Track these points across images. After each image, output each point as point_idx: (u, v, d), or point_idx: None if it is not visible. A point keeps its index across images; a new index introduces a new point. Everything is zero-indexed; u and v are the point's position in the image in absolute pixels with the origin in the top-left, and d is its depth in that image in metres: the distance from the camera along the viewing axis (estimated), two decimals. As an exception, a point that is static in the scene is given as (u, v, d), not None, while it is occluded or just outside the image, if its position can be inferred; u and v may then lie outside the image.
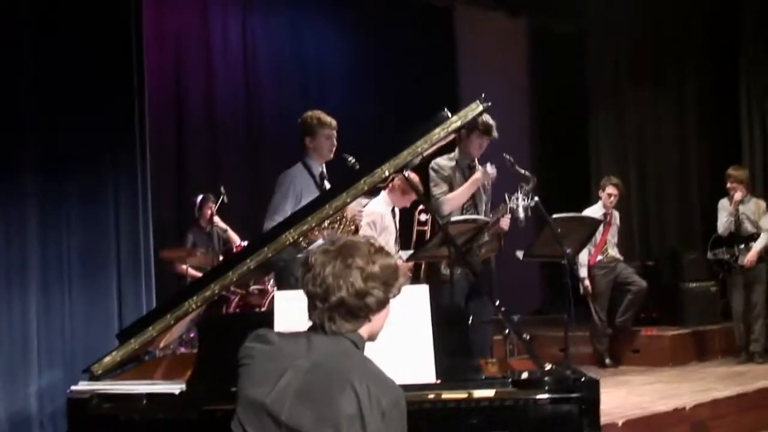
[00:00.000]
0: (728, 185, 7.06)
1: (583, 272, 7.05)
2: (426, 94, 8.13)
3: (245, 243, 6.67)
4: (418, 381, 2.68)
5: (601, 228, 6.63)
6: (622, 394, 5.74)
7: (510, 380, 2.77)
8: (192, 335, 5.67)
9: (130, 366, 3.16)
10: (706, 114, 9.18)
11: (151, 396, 2.77)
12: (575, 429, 2.68)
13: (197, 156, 7.86)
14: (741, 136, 8.83)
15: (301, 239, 3.56)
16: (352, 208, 4.53)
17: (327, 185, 4.72)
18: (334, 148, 4.75)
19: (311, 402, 1.95)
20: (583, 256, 6.95)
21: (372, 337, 2.12)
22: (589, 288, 7.10)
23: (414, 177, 4.96)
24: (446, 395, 2.68)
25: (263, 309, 6.32)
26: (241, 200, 7.51)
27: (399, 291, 2.12)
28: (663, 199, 9.34)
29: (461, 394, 2.68)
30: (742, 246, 7.01)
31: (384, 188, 5.54)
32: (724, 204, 7.13)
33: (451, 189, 5.05)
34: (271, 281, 6.52)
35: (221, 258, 6.76)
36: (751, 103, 8.78)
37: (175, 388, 2.80)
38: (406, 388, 2.07)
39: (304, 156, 4.76)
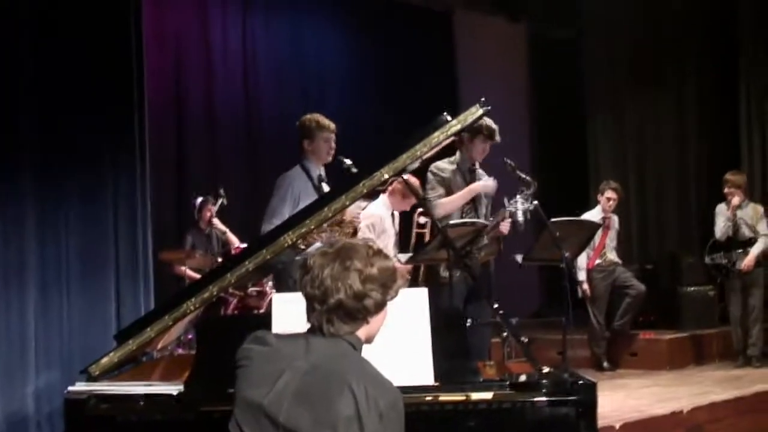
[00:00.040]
0: (725, 190, 7.07)
1: (582, 276, 7.06)
2: (425, 98, 8.14)
3: (244, 245, 6.67)
4: (416, 383, 2.69)
5: (599, 232, 6.64)
6: (619, 398, 5.74)
7: (508, 383, 2.78)
8: (190, 337, 5.66)
9: (128, 367, 3.16)
10: (706, 116, 9.18)
11: (148, 397, 2.77)
12: (572, 432, 2.69)
13: (197, 157, 7.86)
14: (740, 139, 8.84)
15: (299, 242, 3.56)
16: (351, 210, 4.53)
17: (325, 188, 4.72)
18: (332, 151, 4.74)
19: (309, 403, 1.95)
20: (582, 260, 6.95)
21: (369, 339, 2.13)
22: (588, 291, 7.11)
23: (413, 180, 4.98)
24: (444, 397, 2.68)
25: (261, 311, 6.32)
26: (240, 202, 7.51)
27: (397, 293, 2.12)
28: (662, 202, 9.35)
29: (459, 397, 2.68)
30: (740, 251, 7.01)
31: (384, 191, 5.54)
32: (721, 209, 7.14)
33: (448, 193, 5.06)
34: (270, 283, 6.51)
35: (220, 260, 6.76)
36: (750, 105, 8.79)
37: (173, 389, 2.80)
38: (404, 390, 2.08)
39: (303, 159, 4.76)
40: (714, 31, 9.06)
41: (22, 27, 4.67)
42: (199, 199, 7.24)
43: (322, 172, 4.79)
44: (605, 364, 7.16)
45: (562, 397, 2.70)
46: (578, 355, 7.05)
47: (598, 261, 7.17)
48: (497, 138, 5.04)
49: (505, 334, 5.64)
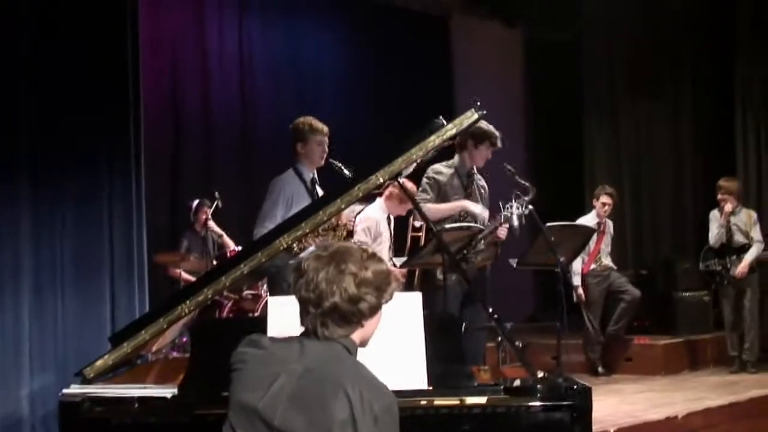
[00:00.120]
0: (719, 196, 7.08)
1: (577, 280, 7.07)
2: (421, 102, 8.13)
3: (240, 248, 6.66)
4: (410, 387, 2.68)
5: (594, 237, 6.65)
6: (614, 403, 5.74)
7: (502, 387, 2.78)
8: (185, 339, 5.66)
9: (123, 370, 3.16)
10: (701, 123, 9.21)
11: (142, 400, 2.76)
12: (567, 437, 2.69)
13: (192, 160, 7.86)
14: (735, 146, 8.86)
15: (294, 245, 3.56)
16: (344, 213, 4.54)
17: (319, 191, 4.73)
18: (325, 155, 4.75)
19: (304, 407, 1.95)
20: (577, 265, 6.96)
21: (364, 343, 2.13)
22: (583, 296, 7.12)
23: (409, 184, 4.98)
24: (439, 401, 2.68)
25: (256, 314, 6.32)
26: (235, 205, 7.51)
27: (391, 297, 2.12)
28: (657, 208, 9.36)
29: (454, 401, 2.68)
30: (734, 257, 7.04)
31: (380, 195, 5.55)
32: (715, 215, 7.16)
33: (442, 196, 5.08)
34: (265, 286, 6.51)
35: (215, 263, 6.76)
36: (746, 113, 8.81)
37: (168, 392, 2.80)
38: (399, 394, 2.07)
39: (296, 162, 4.77)
40: (709, 40, 9.08)
41: (22, 27, 4.67)
42: (195, 202, 7.24)
43: (315, 175, 4.79)
44: (600, 369, 7.17)
45: (557, 402, 2.70)
46: (573, 360, 7.06)
47: (593, 266, 7.17)
48: (500, 144, 5.08)
49: (499, 338, 5.68)
